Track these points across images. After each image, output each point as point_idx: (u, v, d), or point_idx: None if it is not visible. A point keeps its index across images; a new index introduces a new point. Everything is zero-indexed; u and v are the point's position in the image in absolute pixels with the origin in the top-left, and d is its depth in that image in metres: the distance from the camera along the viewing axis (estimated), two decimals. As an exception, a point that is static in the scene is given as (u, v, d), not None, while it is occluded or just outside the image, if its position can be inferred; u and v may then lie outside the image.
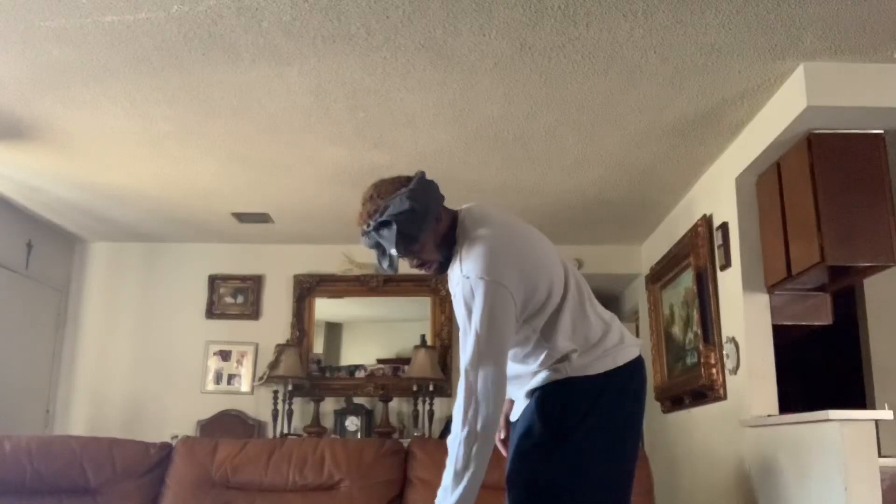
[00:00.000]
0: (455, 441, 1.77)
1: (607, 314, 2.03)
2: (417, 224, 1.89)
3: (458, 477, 1.76)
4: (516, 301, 1.82)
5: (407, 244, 1.90)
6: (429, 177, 2.07)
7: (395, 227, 1.88)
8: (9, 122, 3.86)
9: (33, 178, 4.67)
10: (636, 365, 1.99)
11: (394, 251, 1.90)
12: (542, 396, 1.92)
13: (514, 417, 2.07)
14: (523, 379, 1.98)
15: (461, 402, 1.78)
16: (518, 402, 2.05)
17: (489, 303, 1.79)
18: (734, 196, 3.94)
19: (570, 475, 1.84)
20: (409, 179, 1.99)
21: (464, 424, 1.75)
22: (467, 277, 1.82)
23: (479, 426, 1.75)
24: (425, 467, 3.30)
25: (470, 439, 1.74)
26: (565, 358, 1.90)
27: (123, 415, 5.66)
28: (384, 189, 2.00)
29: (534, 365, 1.93)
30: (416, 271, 6.52)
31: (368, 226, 1.95)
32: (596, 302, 2.02)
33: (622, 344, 1.97)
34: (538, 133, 3.89)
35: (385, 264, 1.97)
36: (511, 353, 1.92)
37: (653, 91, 3.42)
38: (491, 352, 1.79)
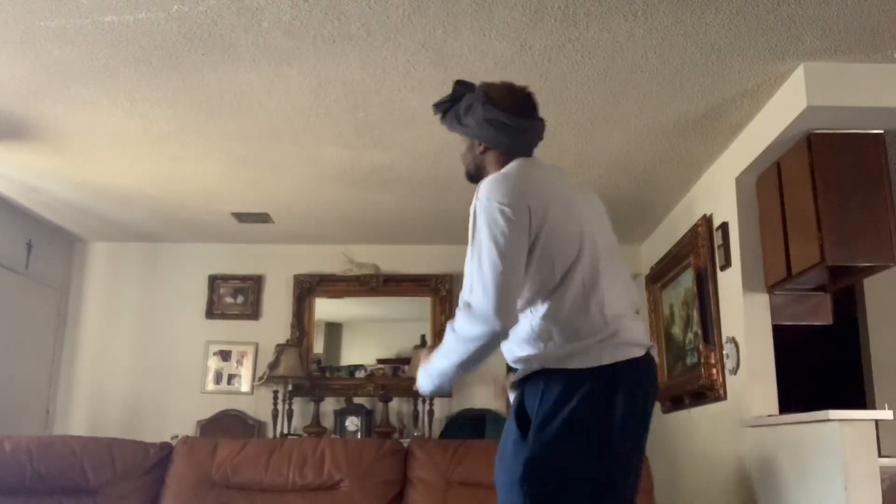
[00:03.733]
0: (447, 331, 1.84)
1: (621, 309, 1.84)
2: (464, 116, 1.94)
3: (439, 357, 1.86)
4: (523, 230, 1.75)
5: (450, 122, 1.99)
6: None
7: (475, 108, 1.92)
8: (9, 122, 3.86)
9: (33, 178, 4.67)
10: (632, 367, 1.78)
11: (439, 105, 2.00)
12: (521, 394, 1.85)
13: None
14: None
15: (460, 310, 1.80)
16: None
17: (491, 225, 1.74)
18: (734, 196, 3.94)
19: (539, 483, 1.72)
20: (510, 109, 1.94)
21: (454, 324, 1.80)
22: (478, 197, 1.81)
23: (457, 324, 1.79)
24: (425, 467, 3.30)
25: (450, 331, 1.81)
26: (546, 338, 1.79)
27: (123, 415, 5.66)
28: (494, 92, 1.95)
29: (512, 337, 1.84)
30: (416, 271, 6.47)
31: (461, 88, 1.98)
32: (611, 296, 1.83)
33: (616, 339, 1.77)
34: (538, 133, 3.88)
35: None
36: None
37: (653, 91, 3.42)
38: (493, 265, 1.71)
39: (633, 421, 1.78)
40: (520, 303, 1.80)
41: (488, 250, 1.72)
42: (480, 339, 1.75)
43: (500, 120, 1.91)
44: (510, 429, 1.84)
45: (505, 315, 1.72)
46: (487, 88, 1.95)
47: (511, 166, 1.89)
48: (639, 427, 1.81)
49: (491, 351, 1.79)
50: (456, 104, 1.97)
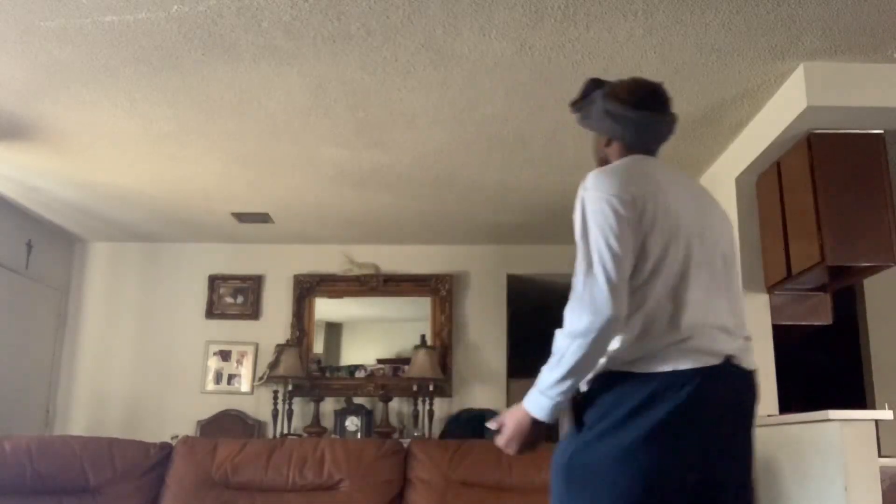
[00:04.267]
0: (557, 334, 1.70)
1: (707, 319, 1.73)
2: (594, 112, 1.95)
3: (549, 364, 1.70)
4: (629, 222, 1.69)
5: (582, 116, 1.99)
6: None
7: (597, 101, 1.94)
8: (9, 122, 3.86)
9: (33, 178, 4.67)
10: (698, 379, 1.63)
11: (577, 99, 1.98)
12: (580, 394, 1.76)
13: None
14: None
15: (570, 306, 1.68)
16: None
17: (597, 215, 1.71)
18: (734, 196, 3.93)
19: (578, 476, 1.66)
20: (641, 105, 1.92)
21: (565, 322, 1.68)
22: (585, 188, 1.80)
23: (570, 330, 1.65)
24: (425, 467, 3.30)
25: (565, 338, 1.67)
26: (620, 336, 1.69)
27: (123, 415, 5.66)
28: (623, 88, 1.95)
29: None
30: (416, 271, 6.47)
31: (591, 85, 1.98)
32: (697, 303, 1.72)
33: (685, 346, 1.66)
34: (538, 133, 3.89)
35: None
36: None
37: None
38: (597, 255, 1.66)
39: (700, 441, 1.64)
40: None
41: (595, 240, 1.69)
42: (594, 329, 1.62)
43: (619, 112, 1.91)
44: (569, 423, 1.81)
45: (617, 300, 1.64)
46: (613, 82, 1.97)
47: (623, 160, 1.89)
48: (712, 450, 1.66)
49: (607, 343, 1.65)
50: (586, 100, 1.98)
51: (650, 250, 1.71)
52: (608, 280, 1.65)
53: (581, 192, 1.79)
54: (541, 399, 1.69)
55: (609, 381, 1.70)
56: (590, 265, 1.67)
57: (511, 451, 1.77)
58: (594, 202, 1.74)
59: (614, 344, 1.69)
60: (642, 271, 1.71)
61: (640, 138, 1.94)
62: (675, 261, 1.73)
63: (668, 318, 1.68)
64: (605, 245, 1.68)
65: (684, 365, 1.64)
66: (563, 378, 1.66)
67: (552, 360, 1.69)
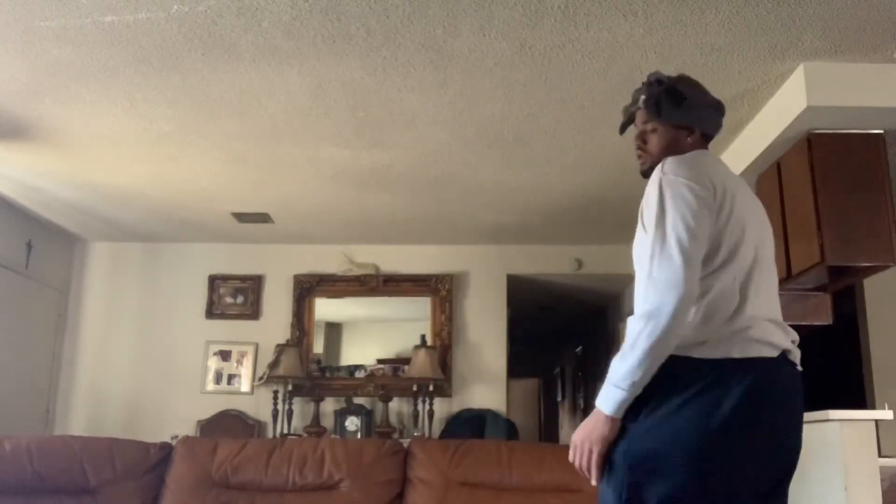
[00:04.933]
0: (630, 321, 1.64)
1: (761, 313, 1.72)
2: (674, 105, 1.87)
3: (623, 354, 1.61)
4: (709, 205, 1.66)
5: (652, 107, 1.89)
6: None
7: (662, 87, 1.88)
8: (9, 122, 3.86)
9: (33, 178, 4.68)
10: (758, 368, 1.63)
11: (642, 100, 1.90)
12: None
13: None
14: None
15: (640, 290, 1.64)
16: None
17: (668, 192, 1.67)
18: (734, 196, 3.93)
19: (635, 468, 1.60)
20: (709, 94, 1.95)
21: (639, 307, 1.62)
22: (663, 172, 1.72)
23: (648, 311, 1.59)
24: (425, 467, 3.30)
25: (640, 323, 1.60)
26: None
27: (123, 415, 5.66)
28: (692, 79, 1.95)
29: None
30: (416, 271, 6.46)
31: (650, 78, 1.93)
32: (755, 299, 1.72)
33: (746, 335, 1.65)
34: (538, 133, 3.89)
35: (621, 124, 2.01)
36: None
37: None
38: (674, 236, 1.62)
39: (761, 429, 1.63)
40: None
41: (673, 219, 1.65)
42: (670, 306, 1.57)
43: (704, 101, 1.92)
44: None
45: (692, 278, 1.61)
46: (676, 76, 1.96)
47: (696, 153, 1.87)
48: (773, 440, 1.66)
49: (683, 322, 1.59)
50: (660, 94, 1.94)
51: (724, 242, 1.71)
52: (684, 257, 1.61)
53: (658, 176, 1.73)
54: (616, 392, 1.60)
55: (667, 364, 1.62)
56: (664, 244, 1.63)
57: (593, 465, 1.63)
58: (674, 185, 1.69)
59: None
60: (714, 260, 1.70)
61: (714, 130, 1.94)
62: (745, 258, 1.73)
63: (732, 309, 1.67)
64: (683, 224, 1.64)
65: (746, 353, 1.64)
66: (640, 363, 1.58)
67: (624, 348, 1.61)
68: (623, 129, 2.01)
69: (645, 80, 1.95)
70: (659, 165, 1.77)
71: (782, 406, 1.68)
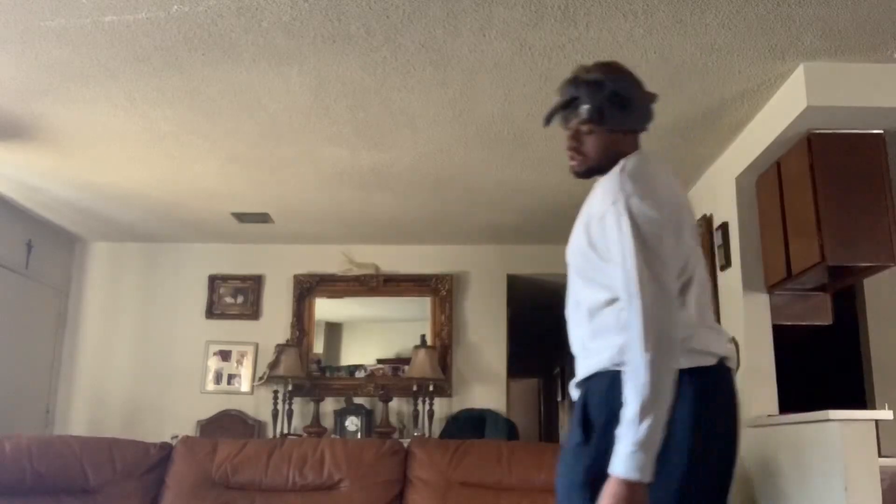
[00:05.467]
0: (633, 372, 1.56)
1: (697, 318, 1.73)
2: (621, 111, 1.79)
3: (643, 410, 1.52)
4: (664, 235, 1.65)
5: (594, 117, 1.79)
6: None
7: (605, 93, 1.78)
8: (9, 122, 3.86)
9: (33, 178, 4.67)
10: (700, 376, 1.65)
11: (583, 109, 1.79)
12: (585, 394, 1.73)
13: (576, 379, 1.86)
14: (576, 333, 1.79)
15: (632, 333, 1.57)
16: (579, 368, 1.82)
17: (638, 220, 1.62)
18: (734, 196, 3.94)
19: (583, 486, 1.62)
20: (644, 87, 1.88)
21: (644, 349, 1.54)
22: (613, 203, 1.66)
23: (655, 351, 1.54)
24: (425, 467, 3.30)
25: (651, 367, 1.53)
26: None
27: (123, 415, 5.66)
28: (628, 71, 1.87)
29: (589, 328, 1.73)
30: (416, 271, 6.44)
31: (587, 72, 1.84)
32: (691, 302, 1.74)
33: (686, 345, 1.65)
34: (538, 133, 3.89)
35: (561, 116, 1.87)
36: (586, 306, 1.73)
37: (653, 91, 3.41)
38: (650, 271, 1.59)
39: (706, 433, 1.65)
40: (612, 291, 1.69)
41: (646, 257, 1.61)
42: (672, 352, 1.57)
43: (637, 95, 1.87)
44: (573, 431, 1.72)
45: (677, 313, 1.62)
46: (600, 68, 1.89)
47: (647, 160, 1.80)
48: (721, 440, 1.68)
49: (677, 357, 1.59)
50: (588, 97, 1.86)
51: (673, 261, 1.68)
52: (672, 290, 1.62)
53: (619, 197, 1.67)
54: (640, 457, 1.50)
55: (613, 380, 1.64)
56: (656, 275, 1.60)
57: None
58: (639, 214, 1.63)
59: (618, 342, 1.64)
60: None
61: (649, 123, 1.89)
62: (687, 267, 1.72)
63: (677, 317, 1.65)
64: (658, 257, 1.62)
65: (689, 364, 1.64)
66: (661, 412, 1.53)
67: (641, 401, 1.52)
68: (548, 121, 1.88)
69: (576, 74, 1.85)
70: (615, 183, 1.71)
71: (725, 414, 1.70)
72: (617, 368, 1.65)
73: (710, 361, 1.69)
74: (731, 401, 1.73)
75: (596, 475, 1.59)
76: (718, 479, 1.67)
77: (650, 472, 1.51)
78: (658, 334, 1.56)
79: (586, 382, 1.76)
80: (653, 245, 1.62)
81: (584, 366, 1.77)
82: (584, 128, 1.82)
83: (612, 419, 1.59)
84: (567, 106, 1.84)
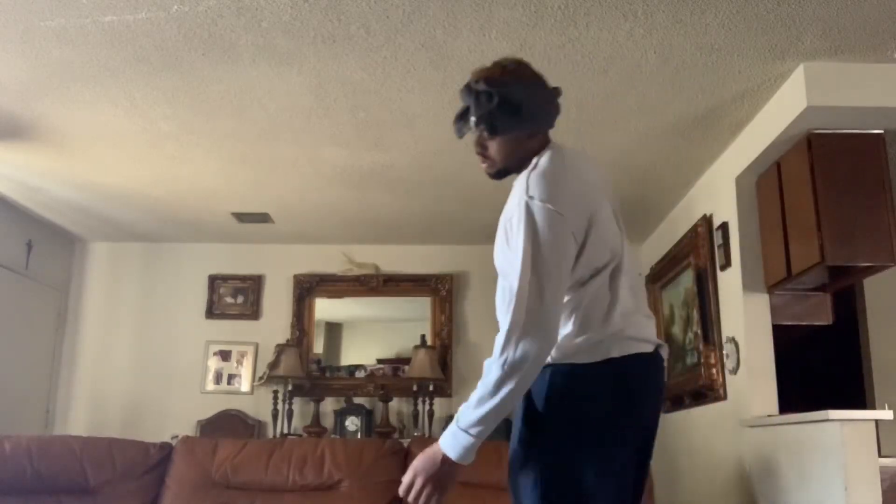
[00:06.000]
0: (489, 365, 1.63)
1: (631, 307, 1.77)
2: (511, 119, 1.78)
3: (480, 401, 1.61)
4: (574, 232, 1.65)
5: (489, 127, 1.78)
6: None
7: (496, 101, 1.77)
8: (9, 122, 3.86)
9: (33, 178, 4.67)
10: (636, 364, 1.72)
11: (473, 120, 1.78)
12: (527, 391, 1.74)
13: None
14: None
15: (502, 333, 1.62)
16: None
17: (544, 225, 1.62)
18: (734, 196, 3.94)
19: (550, 484, 1.65)
20: (548, 87, 1.87)
21: (501, 352, 1.59)
22: (518, 205, 1.68)
23: (511, 356, 1.58)
24: (425, 467, 3.30)
25: (503, 370, 1.59)
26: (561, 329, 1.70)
27: (123, 415, 5.66)
28: (524, 72, 1.87)
29: None
30: (416, 271, 6.44)
31: (476, 82, 1.83)
32: (624, 294, 1.77)
33: (623, 334, 1.71)
34: (538, 133, 3.88)
35: (456, 128, 1.86)
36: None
37: (653, 91, 3.42)
38: (539, 277, 1.60)
39: (637, 418, 1.74)
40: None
41: (547, 259, 1.62)
42: (542, 356, 1.60)
43: (538, 95, 1.90)
44: (517, 427, 1.75)
45: (558, 322, 1.64)
46: (496, 69, 1.91)
47: (558, 156, 1.81)
48: (643, 424, 1.78)
49: (536, 373, 1.62)
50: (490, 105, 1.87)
51: (592, 257, 1.71)
52: (556, 305, 1.63)
53: (523, 198, 1.68)
54: (465, 439, 1.61)
55: (555, 375, 1.69)
56: (541, 288, 1.60)
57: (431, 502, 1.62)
58: (540, 214, 1.64)
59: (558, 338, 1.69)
60: (584, 275, 1.72)
61: (555, 119, 1.89)
62: (612, 258, 1.75)
63: (605, 310, 1.71)
64: (555, 266, 1.62)
65: (624, 351, 1.70)
66: (497, 412, 1.60)
67: (482, 393, 1.60)
68: (461, 134, 1.87)
69: (468, 82, 1.84)
70: (523, 185, 1.71)
71: (652, 397, 1.79)
72: (555, 362, 1.69)
73: (648, 349, 1.75)
74: (662, 388, 1.84)
75: (543, 471, 1.66)
76: (636, 471, 1.78)
77: (467, 455, 1.61)
78: (518, 353, 1.58)
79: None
80: (547, 253, 1.62)
81: None
82: (485, 135, 1.82)
83: (554, 414, 1.67)
84: (461, 117, 1.84)
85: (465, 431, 1.61)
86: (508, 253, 1.70)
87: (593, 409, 1.67)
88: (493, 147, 1.83)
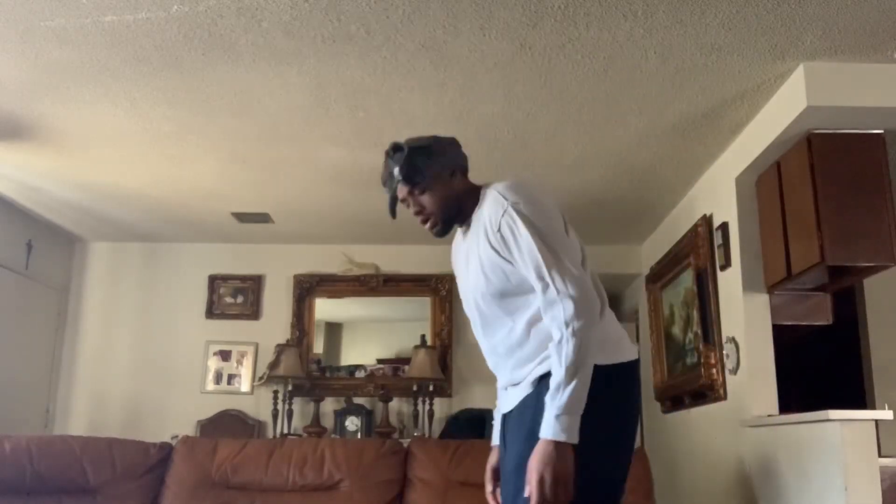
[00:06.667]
0: (560, 343, 1.68)
1: (610, 313, 1.91)
2: (428, 159, 1.91)
3: (568, 375, 1.65)
4: (558, 220, 1.82)
5: (411, 175, 1.90)
6: None
7: (406, 151, 1.90)
8: (9, 122, 3.86)
9: (33, 178, 4.67)
10: (637, 367, 1.87)
11: (396, 171, 1.90)
12: (535, 394, 1.78)
13: (507, 408, 1.95)
14: (519, 354, 1.85)
15: (557, 310, 1.69)
16: (514, 391, 1.90)
17: (539, 212, 1.78)
18: (734, 196, 3.94)
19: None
20: (442, 136, 2.04)
21: (566, 325, 1.67)
22: (511, 202, 1.78)
23: (580, 324, 1.67)
24: (425, 467, 3.30)
25: (575, 337, 1.66)
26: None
27: (123, 415, 5.66)
28: (420, 135, 2.03)
29: (534, 340, 1.80)
30: (416, 271, 6.44)
31: (387, 152, 1.98)
32: (604, 297, 1.90)
33: (623, 342, 1.86)
34: (538, 133, 3.89)
35: (387, 190, 1.97)
36: (511, 316, 1.84)
37: (653, 91, 3.42)
38: (562, 255, 1.74)
39: (637, 419, 1.89)
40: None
41: (553, 239, 1.77)
42: (593, 317, 1.72)
43: (442, 143, 2.02)
44: (528, 433, 1.74)
45: (590, 285, 1.77)
46: (404, 142, 2.01)
47: (511, 180, 1.96)
48: (637, 425, 1.91)
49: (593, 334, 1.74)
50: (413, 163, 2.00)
51: (574, 247, 1.86)
52: (579, 268, 1.77)
53: (506, 207, 1.79)
54: (567, 419, 1.64)
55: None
56: (565, 266, 1.73)
57: (567, 497, 1.64)
58: (531, 205, 1.79)
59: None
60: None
61: (466, 162, 2.02)
62: (585, 257, 1.90)
63: (598, 309, 1.80)
64: (564, 240, 1.79)
65: (634, 355, 1.86)
66: (585, 381, 1.67)
67: (564, 371, 1.65)
68: (393, 209, 1.98)
69: (385, 154, 1.97)
70: (495, 204, 1.81)
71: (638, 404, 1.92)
72: None
73: (633, 355, 1.86)
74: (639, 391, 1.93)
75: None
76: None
77: (575, 433, 1.63)
78: (580, 322, 1.68)
79: (538, 382, 1.81)
80: (553, 233, 1.77)
81: (535, 370, 1.82)
82: (416, 191, 1.92)
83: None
84: (387, 181, 1.96)
85: (566, 414, 1.64)
86: (519, 256, 1.77)
87: (614, 411, 1.77)
88: (426, 198, 1.93)
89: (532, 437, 1.70)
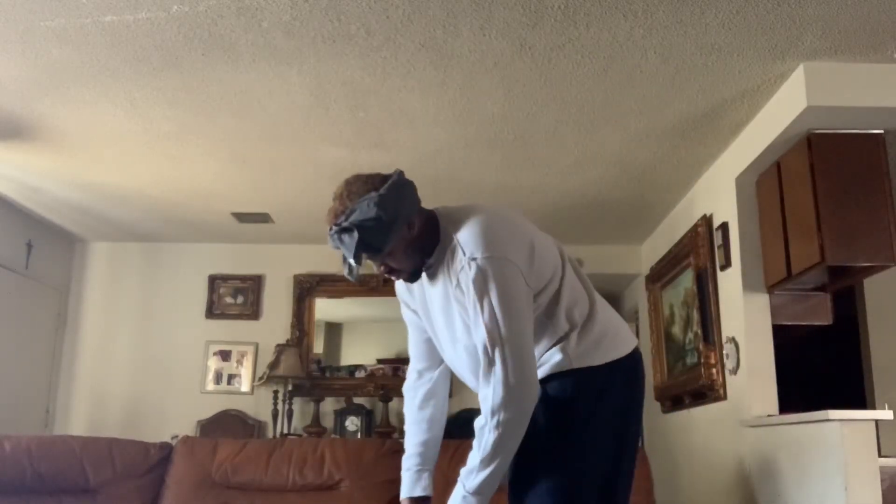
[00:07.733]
0: (483, 428, 1.69)
1: (603, 304, 1.92)
2: (383, 233, 1.74)
3: (483, 463, 1.69)
4: (527, 278, 1.71)
5: (370, 254, 1.80)
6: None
7: (356, 234, 1.75)
8: (9, 122, 3.86)
9: (33, 178, 4.67)
10: (637, 356, 1.89)
11: (352, 261, 1.79)
12: (546, 392, 1.80)
13: None
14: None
15: (489, 391, 1.67)
16: None
17: (500, 282, 1.66)
18: (734, 196, 3.94)
19: (574, 476, 1.74)
20: (384, 179, 1.78)
21: (492, 414, 1.66)
22: (472, 260, 1.68)
23: (505, 417, 1.65)
24: (425, 467, 3.29)
25: (497, 430, 1.66)
26: (565, 337, 1.78)
27: (123, 415, 5.66)
28: (355, 188, 1.77)
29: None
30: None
31: (331, 229, 1.80)
32: (593, 291, 1.91)
33: (620, 333, 1.87)
34: (538, 133, 3.89)
35: (346, 271, 1.85)
36: None
37: (653, 91, 3.42)
38: (513, 336, 1.66)
39: (642, 407, 1.91)
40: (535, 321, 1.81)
41: (517, 316, 1.69)
42: (528, 413, 1.68)
43: (397, 188, 1.81)
44: (544, 427, 1.77)
45: (536, 373, 1.73)
46: (350, 189, 1.83)
47: (496, 208, 1.87)
48: (642, 412, 1.93)
49: (527, 423, 1.71)
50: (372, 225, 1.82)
51: (550, 280, 1.79)
52: (532, 354, 1.71)
53: (464, 262, 1.70)
54: (474, 501, 1.71)
55: (576, 378, 1.78)
56: (518, 346, 1.67)
57: None
58: (491, 268, 1.68)
59: (566, 339, 1.78)
60: (553, 279, 1.81)
61: (417, 197, 1.84)
62: (564, 265, 1.86)
63: (587, 308, 1.83)
64: (523, 318, 1.69)
65: (632, 346, 1.87)
66: (501, 470, 1.71)
67: (483, 456, 1.68)
68: (358, 276, 1.87)
69: (330, 234, 1.82)
70: (462, 256, 1.71)
71: (642, 393, 1.94)
72: (572, 367, 1.78)
73: (631, 346, 1.88)
74: (643, 379, 1.95)
75: (580, 462, 1.76)
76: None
77: None
78: (512, 412, 1.66)
79: (546, 381, 1.81)
80: (512, 307, 1.67)
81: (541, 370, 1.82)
82: (376, 260, 1.85)
83: (588, 411, 1.78)
84: (346, 262, 1.85)
85: (475, 495, 1.71)
86: (474, 319, 1.70)
87: (621, 404, 1.82)
88: (391, 261, 1.85)
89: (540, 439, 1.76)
